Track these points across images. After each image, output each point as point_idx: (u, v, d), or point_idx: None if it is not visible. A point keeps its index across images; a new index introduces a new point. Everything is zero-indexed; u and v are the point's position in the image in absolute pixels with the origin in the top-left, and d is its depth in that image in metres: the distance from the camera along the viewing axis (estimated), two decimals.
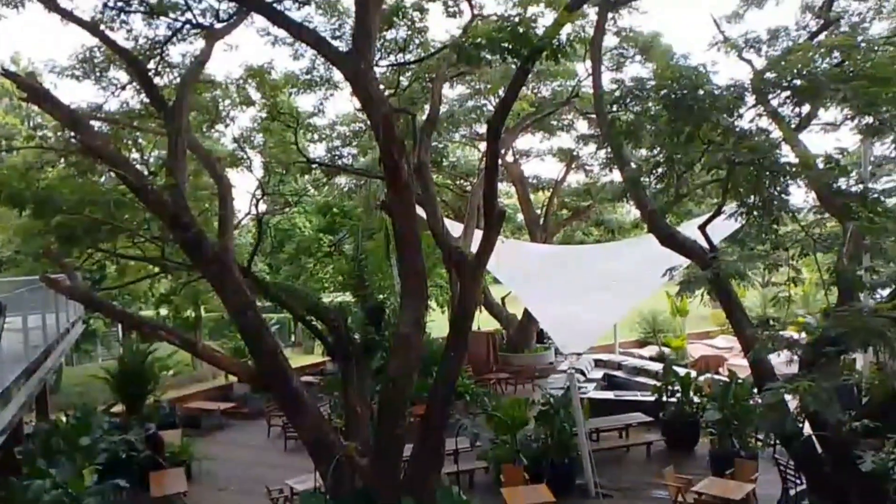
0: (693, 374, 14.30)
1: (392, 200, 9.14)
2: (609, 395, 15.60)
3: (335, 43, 12.58)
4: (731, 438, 11.57)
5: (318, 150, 19.40)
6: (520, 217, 26.27)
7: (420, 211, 10.22)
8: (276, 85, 14.67)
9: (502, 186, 25.77)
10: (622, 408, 14.28)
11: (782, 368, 8.50)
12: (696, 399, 13.35)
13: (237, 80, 14.84)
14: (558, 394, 12.68)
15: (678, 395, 13.54)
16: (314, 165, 16.77)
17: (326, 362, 20.07)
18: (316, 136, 18.11)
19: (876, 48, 9.77)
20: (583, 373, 16.74)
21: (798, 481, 9.42)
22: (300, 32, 9.80)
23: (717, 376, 14.69)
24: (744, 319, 8.54)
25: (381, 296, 17.23)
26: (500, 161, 21.74)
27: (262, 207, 14.08)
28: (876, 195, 10.93)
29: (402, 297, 9.62)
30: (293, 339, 26.97)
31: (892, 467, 8.32)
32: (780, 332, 8.07)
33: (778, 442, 10.72)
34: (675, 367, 14.92)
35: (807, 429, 8.54)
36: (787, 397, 7.66)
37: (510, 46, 8.53)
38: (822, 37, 11.38)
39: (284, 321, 25.47)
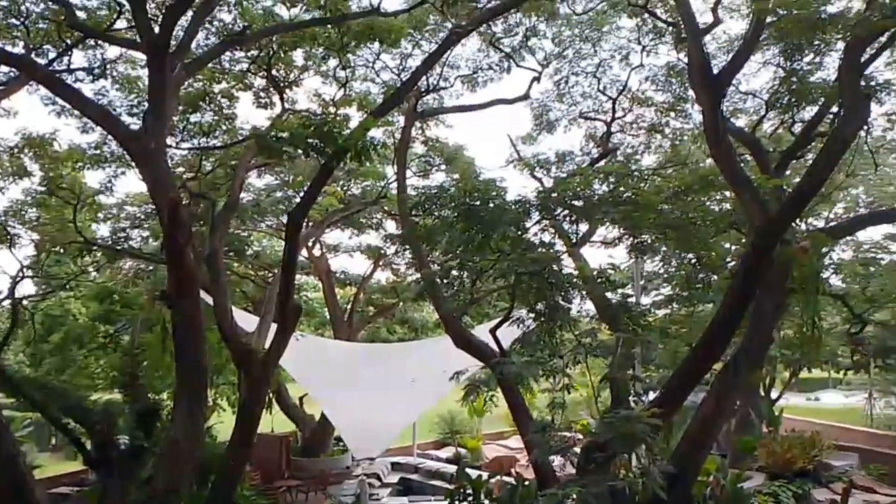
0: (485, 476, 14.43)
1: (172, 289, 8.44)
2: (403, 500, 15.21)
3: (130, 120, 11.84)
4: None
5: (102, 230, 17.81)
6: (325, 312, 25.83)
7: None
8: (59, 157, 13.41)
9: (309, 280, 25.30)
10: None
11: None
12: (486, 503, 13.38)
13: (12, 149, 13.37)
14: (349, 502, 12.09)
15: (470, 498, 13.51)
16: (94, 247, 15.27)
17: (89, 471, 17.56)
18: (101, 215, 16.63)
19: (645, 177, 11.18)
20: (379, 477, 16.24)
21: None
22: (84, 106, 9.08)
23: (507, 478, 14.94)
24: (528, 423, 8.82)
25: (157, 396, 15.60)
26: (307, 254, 21.45)
27: (27, 290, 12.42)
28: (643, 308, 12.17)
29: (176, 396, 8.74)
30: (53, 441, 23.48)
31: None
32: (560, 435, 8.40)
33: None
34: (468, 470, 14.96)
35: None
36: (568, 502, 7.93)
37: (315, 143, 8.52)
38: (601, 163, 12.88)
39: (44, 422, 22.16)
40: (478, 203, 8.83)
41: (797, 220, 10.52)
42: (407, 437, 18.98)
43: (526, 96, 14.16)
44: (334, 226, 21.02)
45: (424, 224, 10.67)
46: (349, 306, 23.86)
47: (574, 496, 6.48)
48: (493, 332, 9.68)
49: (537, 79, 13.99)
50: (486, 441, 23.18)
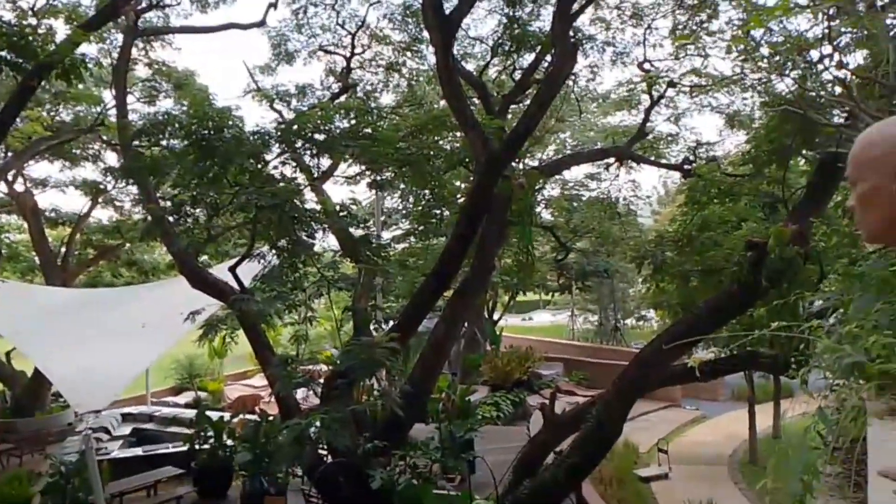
0: (227, 416, 14.12)
1: None
2: (137, 451, 14.27)
3: None
4: (261, 477, 11.68)
5: None
6: (35, 256, 22.57)
7: None
8: None
9: (11, 220, 21.85)
10: (152, 463, 13.19)
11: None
12: (229, 443, 13.16)
13: None
14: (73, 460, 11.02)
15: (211, 441, 13.16)
16: None
17: None
18: None
19: (384, 115, 11.43)
20: (108, 431, 15.00)
21: None
22: None
23: (250, 416, 14.81)
24: (270, 357, 8.80)
25: None
26: (6, 190, 18.42)
27: None
28: (384, 242, 12.63)
29: None
30: None
31: (396, 479, 9.53)
32: (304, 368, 8.55)
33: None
34: (209, 413, 14.51)
35: None
36: (311, 430, 8.14)
37: (8, 57, 7.29)
38: (342, 99, 12.86)
39: None
40: (212, 133, 8.33)
41: (516, 159, 11.68)
42: (140, 385, 17.72)
43: (262, 23, 13.49)
44: (41, 157, 18.29)
45: (150, 155, 9.77)
46: (63, 248, 21.14)
47: (318, 423, 6.68)
48: (232, 269, 9.35)
49: (274, 5, 13.37)
50: (229, 382, 22.64)
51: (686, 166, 13.09)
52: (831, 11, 3.92)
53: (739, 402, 17.92)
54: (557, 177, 17.71)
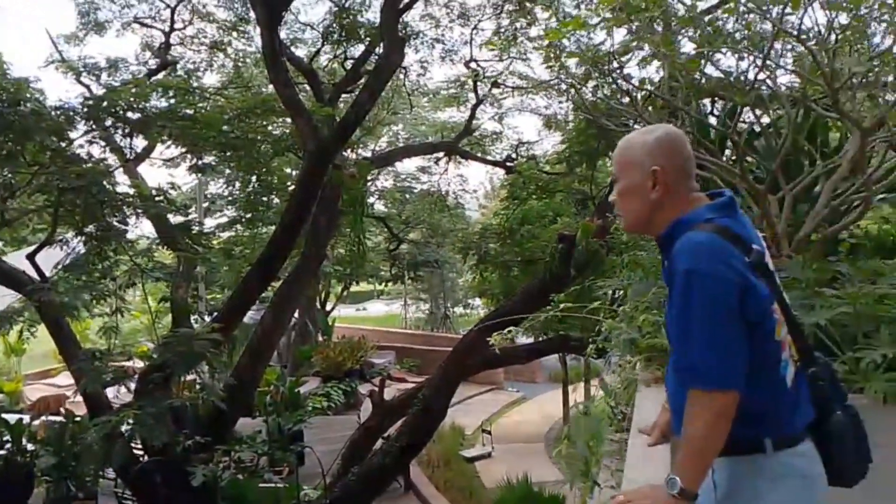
0: (27, 419, 12.79)
1: None
2: None
3: None
4: (68, 482, 10.74)
5: None
6: None
7: None
8: None
9: None
10: None
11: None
12: (30, 447, 11.94)
13: None
14: None
15: (8, 446, 11.86)
16: None
17: None
18: None
19: (207, 96, 10.89)
20: None
21: None
22: None
23: (53, 417, 13.52)
24: (76, 351, 8.11)
25: None
26: None
27: None
28: (207, 230, 12.07)
29: None
30: None
31: (219, 475, 9.21)
32: (114, 364, 7.98)
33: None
34: (5, 415, 13.04)
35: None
36: (124, 427, 7.62)
37: None
38: (160, 76, 12.05)
39: None
40: (6, 106, 7.45)
41: (348, 149, 11.69)
42: None
43: None
44: None
45: None
46: None
47: (130, 420, 6.29)
48: (30, 257, 8.47)
49: None
50: (28, 382, 20.45)
51: (508, 163, 13.86)
52: (628, 28, 4.40)
53: (556, 384, 19.35)
54: (390, 169, 17.99)
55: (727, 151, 4.75)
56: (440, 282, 27.72)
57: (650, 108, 4.36)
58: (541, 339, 10.45)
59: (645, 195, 1.81)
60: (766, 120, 4.57)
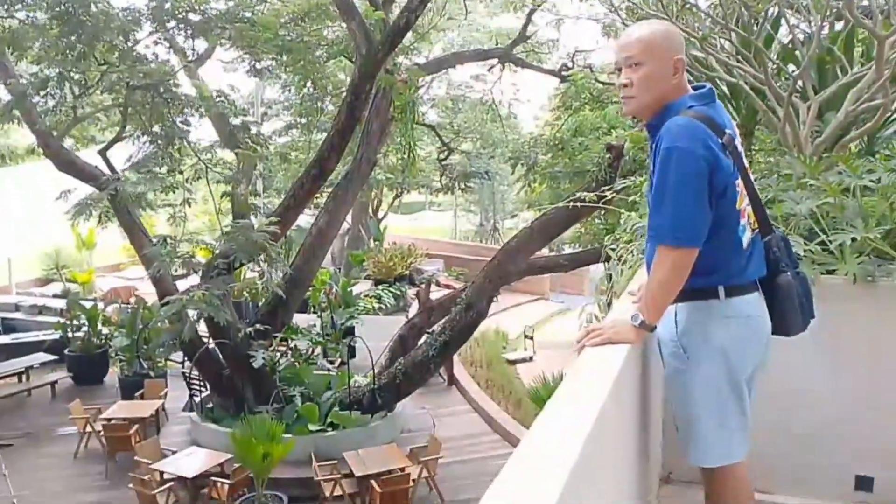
0: (101, 305, 13.95)
1: None
2: (6, 339, 13.90)
3: None
4: (140, 361, 11.84)
5: None
6: None
7: None
8: None
9: None
10: (22, 350, 12.96)
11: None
12: (104, 330, 13.10)
13: None
14: None
15: (85, 328, 13.05)
16: None
17: None
18: None
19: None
20: None
21: (203, 388, 10.40)
22: None
23: (125, 305, 14.68)
24: (145, 240, 8.78)
25: None
26: None
27: None
28: (264, 134, 12.49)
29: None
30: None
31: (277, 360, 10.03)
32: (182, 249, 8.58)
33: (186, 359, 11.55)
34: (82, 302, 14.24)
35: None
36: (191, 312, 8.32)
37: None
38: None
39: None
40: (77, 7, 7.83)
41: (401, 55, 11.75)
42: (1, 277, 16.95)
43: None
44: None
45: (6, 27, 9.04)
46: None
47: (198, 298, 6.91)
48: (102, 152, 9.08)
49: None
50: (101, 274, 21.91)
51: (563, 72, 13.67)
52: None
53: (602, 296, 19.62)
54: (443, 76, 17.87)
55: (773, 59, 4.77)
56: (490, 194, 27.86)
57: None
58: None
59: (667, 81, 2.05)
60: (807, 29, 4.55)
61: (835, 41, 4.17)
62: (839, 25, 4.19)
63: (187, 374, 10.51)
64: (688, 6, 4.11)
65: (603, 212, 8.64)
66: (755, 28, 4.40)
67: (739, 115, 5.00)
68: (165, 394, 10.72)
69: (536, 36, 14.84)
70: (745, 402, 2.09)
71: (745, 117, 4.86)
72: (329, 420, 9.56)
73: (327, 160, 9.41)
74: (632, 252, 3.30)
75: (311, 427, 9.30)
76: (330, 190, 11.02)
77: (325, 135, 12.89)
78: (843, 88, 3.66)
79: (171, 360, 12.35)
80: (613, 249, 3.79)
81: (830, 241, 2.49)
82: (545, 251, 14.64)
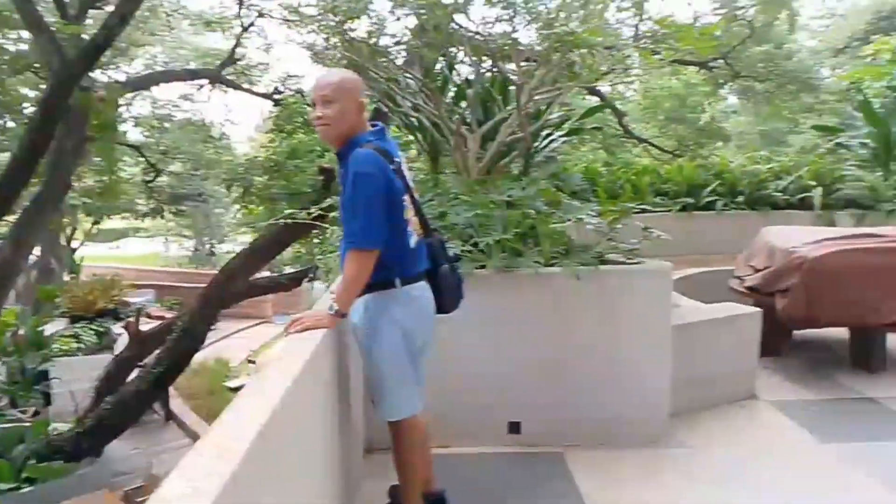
0: None
1: None
2: None
3: None
4: None
5: None
6: None
7: None
8: None
9: None
10: None
11: None
12: None
13: None
14: None
15: None
16: None
17: None
18: None
19: None
20: None
21: None
22: None
23: None
24: None
25: None
26: None
27: None
28: None
29: None
30: None
31: None
32: None
33: None
34: None
35: None
36: None
37: None
38: None
39: None
40: None
41: (98, 69, 10.98)
42: None
43: None
44: None
45: None
46: None
47: None
48: None
49: None
50: None
51: (275, 95, 13.95)
52: None
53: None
54: (147, 94, 16.95)
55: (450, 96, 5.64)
56: (205, 217, 26.81)
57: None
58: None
59: (353, 117, 2.62)
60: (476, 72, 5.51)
61: (493, 83, 5.17)
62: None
63: None
64: (377, 49, 4.76)
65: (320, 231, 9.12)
66: (437, 70, 5.24)
67: (427, 144, 5.84)
68: None
69: (247, 58, 14.90)
70: (419, 366, 2.73)
71: (431, 146, 5.71)
72: (25, 475, 8.49)
73: (11, 183, 8.42)
74: (336, 261, 3.78)
75: (2, 486, 8.18)
76: (15, 217, 9.83)
77: (5, 155, 11.44)
78: (498, 123, 4.59)
79: None
80: (324, 262, 4.25)
81: (479, 243, 3.26)
82: (266, 272, 14.70)
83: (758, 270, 5.61)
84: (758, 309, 5.00)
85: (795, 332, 6.29)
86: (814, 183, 8.73)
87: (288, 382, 1.78)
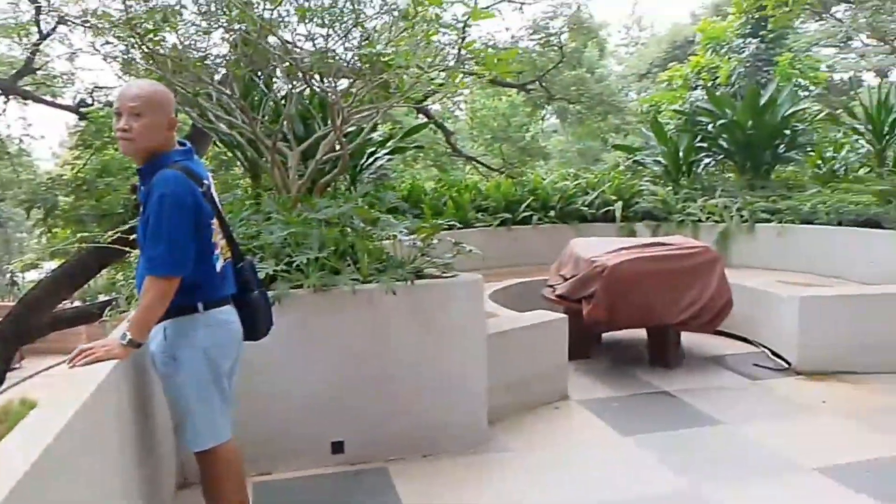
0: None
1: None
2: None
3: None
4: None
5: None
6: None
7: None
8: None
9: None
10: None
11: None
12: None
13: None
14: None
15: None
16: None
17: None
18: None
19: None
20: None
21: None
22: None
23: None
24: None
25: None
26: None
27: None
28: None
29: None
30: None
31: None
32: None
33: None
34: None
35: None
36: None
37: None
38: None
39: None
40: None
41: None
42: None
43: None
44: None
45: None
46: None
47: None
48: None
49: None
50: None
51: (81, 108, 12.86)
52: None
53: None
54: None
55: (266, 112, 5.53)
56: (4, 242, 24.04)
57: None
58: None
59: (162, 133, 2.49)
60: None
61: (312, 100, 5.16)
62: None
63: None
64: (182, 62, 4.56)
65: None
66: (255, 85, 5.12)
67: (247, 162, 5.70)
68: None
69: (49, 68, 13.60)
70: (225, 392, 2.64)
71: (251, 163, 5.58)
72: None
73: None
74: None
75: None
76: None
77: None
78: (317, 140, 4.59)
79: None
80: (126, 288, 3.99)
81: (294, 262, 3.23)
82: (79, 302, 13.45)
83: (567, 279, 6.05)
84: (564, 315, 5.39)
85: (604, 335, 6.86)
86: (615, 197, 9.57)
87: (66, 419, 1.67)
